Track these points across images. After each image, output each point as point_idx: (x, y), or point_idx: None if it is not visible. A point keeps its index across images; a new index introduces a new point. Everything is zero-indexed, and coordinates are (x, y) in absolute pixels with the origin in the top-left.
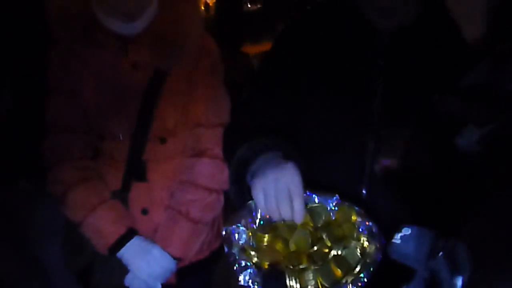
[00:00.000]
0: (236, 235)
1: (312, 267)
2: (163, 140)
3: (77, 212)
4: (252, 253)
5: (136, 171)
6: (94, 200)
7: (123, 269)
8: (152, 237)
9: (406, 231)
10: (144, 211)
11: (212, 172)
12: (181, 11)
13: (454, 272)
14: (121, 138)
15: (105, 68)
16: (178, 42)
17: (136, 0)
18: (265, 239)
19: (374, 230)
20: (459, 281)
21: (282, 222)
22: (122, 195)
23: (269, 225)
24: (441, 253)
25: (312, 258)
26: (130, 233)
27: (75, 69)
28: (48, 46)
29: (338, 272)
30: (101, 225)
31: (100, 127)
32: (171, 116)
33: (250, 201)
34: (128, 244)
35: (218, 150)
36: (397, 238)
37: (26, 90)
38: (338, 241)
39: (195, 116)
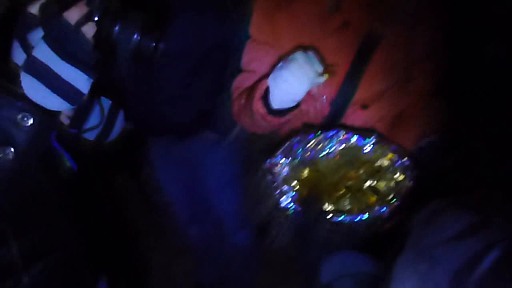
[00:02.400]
0: (279, 166)
1: (349, 195)
2: (364, 106)
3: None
4: (293, 183)
5: None
6: None
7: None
8: None
9: None
10: None
11: None
12: None
13: None
14: (324, 101)
15: (312, 23)
16: (398, 4)
17: None
18: (305, 172)
19: (408, 164)
20: None
21: (321, 158)
22: None
23: (308, 160)
24: None
25: (349, 188)
26: None
27: (279, 22)
28: None
29: (373, 199)
30: None
31: None
32: (379, 83)
33: (292, 138)
34: None
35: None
36: None
37: None
38: (373, 175)
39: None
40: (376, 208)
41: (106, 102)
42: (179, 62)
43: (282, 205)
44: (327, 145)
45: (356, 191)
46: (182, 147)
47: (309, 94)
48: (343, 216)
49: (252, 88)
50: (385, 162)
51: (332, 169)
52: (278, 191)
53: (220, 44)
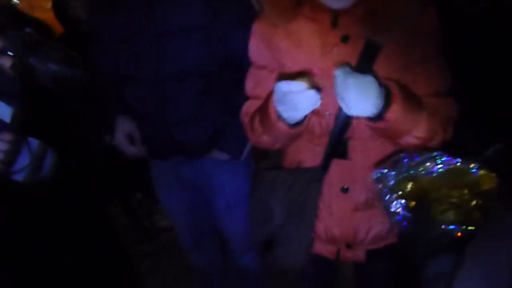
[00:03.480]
0: (387, 177)
1: (453, 209)
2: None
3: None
4: (400, 192)
5: (337, 149)
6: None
7: (298, 249)
8: (350, 217)
9: None
10: (344, 190)
11: None
12: None
13: None
14: (328, 115)
15: (312, 41)
16: (392, 15)
17: None
18: (408, 186)
19: None
20: None
21: (424, 175)
22: (321, 172)
23: (413, 175)
24: None
25: (453, 204)
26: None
27: (277, 43)
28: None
29: (478, 215)
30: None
31: None
32: None
33: (399, 154)
34: None
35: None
36: None
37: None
38: (478, 195)
39: (413, 89)
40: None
41: (34, 143)
42: (191, 82)
43: (392, 210)
44: (432, 164)
45: (461, 207)
46: (189, 169)
47: (313, 110)
48: (453, 226)
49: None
50: (488, 188)
51: (435, 187)
52: (387, 197)
53: (230, 62)
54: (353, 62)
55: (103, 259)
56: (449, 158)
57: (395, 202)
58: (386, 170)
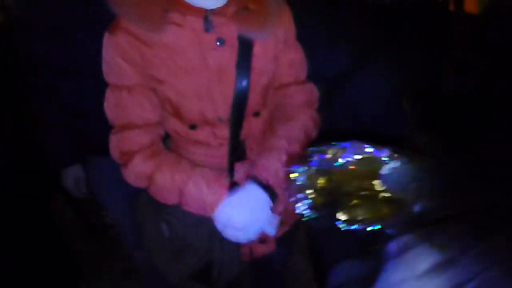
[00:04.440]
0: (296, 175)
1: (362, 205)
2: (256, 114)
3: (170, 194)
4: (309, 191)
5: (237, 152)
6: (182, 176)
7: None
8: None
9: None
10: None
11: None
12: None
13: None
14: (219, 122)
15: (187, 50)
16: (262, 12)
17: None
18: (321, 181)
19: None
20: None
21: (336, 168)
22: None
23: (324, 169)
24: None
25: (363, 198)
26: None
27: (148, 58)
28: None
29: (386, 210)
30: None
31: (191, 115)
32: (263, 89)
33: (308, 148)
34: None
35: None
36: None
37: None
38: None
39: (280, 78)
40: (389, 219)
41: None
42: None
43: (298, 211)
44: (343, 155)
45: (370, 202)
46: None
47: (204, 119)
48: (356, 226)
49: None
50: None
51: (347, 179)
52: (293, 198)
53: None
54: (233, 62)
55: (45, 258)
56: (361, 147)
57: (300, 202)
58: (295, 167)
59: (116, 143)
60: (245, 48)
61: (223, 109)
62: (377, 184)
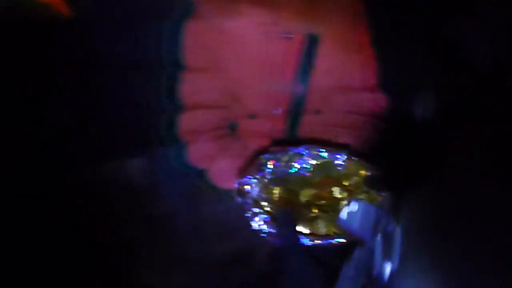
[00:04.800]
0: (248, 187)
1: (323, 216)
2: (318, 112)
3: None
4: (264, 203)
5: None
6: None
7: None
8: None
9: (353, 206)
10: None
11: None
12: None
13: (385, 257)
14: (277, 114)
15: (251, 38)
16: (333, 8)
17: None
18: (276, 191)
19: None
20: (387, 267)
21: (292, 176)
22: None
23: (279, 178)
24: (379, 234)
25: (322, 208)
26: None
27: (214, 44)
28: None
29: None
30: None
31: (252, 105)
32: (327, 85)
33: (261, 156)
34: None
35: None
36: (344, 213)
37: None
38: (348, 193)
39: (350, 80)
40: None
41: None
42: None
43: (254, 227)
44: (298, 161)
45: (330, 212)
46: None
47: (262, 110)
48: (318, 241)
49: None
50: (357, 179)
51: (304, 187)
52: (249, 213)
53: None
54: (296, 58)
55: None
56: (319, 150)
57: (256, 218)
58: (248, 178)
59: (185, 121)
60: (311, 40)
61: (280, 102)
62: (336, 191)
